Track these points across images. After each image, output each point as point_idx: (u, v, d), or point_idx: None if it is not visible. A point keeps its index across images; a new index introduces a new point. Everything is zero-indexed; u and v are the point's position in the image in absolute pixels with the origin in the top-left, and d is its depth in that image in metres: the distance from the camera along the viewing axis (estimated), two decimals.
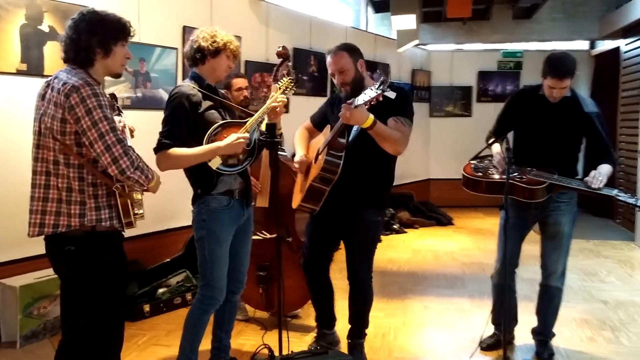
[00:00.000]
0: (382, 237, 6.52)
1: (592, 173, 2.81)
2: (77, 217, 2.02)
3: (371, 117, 2.65)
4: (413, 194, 7.88)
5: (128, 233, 4.24)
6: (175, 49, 4.44)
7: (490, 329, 3.39)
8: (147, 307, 3.91)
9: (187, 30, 4.46)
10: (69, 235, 2.04)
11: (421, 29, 7.82)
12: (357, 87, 2.83)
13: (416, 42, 6.94)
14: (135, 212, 2.15)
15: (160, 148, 2.53)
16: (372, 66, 7.36)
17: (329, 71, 2.96)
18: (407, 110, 2.86)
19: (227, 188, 2.66)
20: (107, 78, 3.93)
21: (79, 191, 2.03)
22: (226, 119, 2.66)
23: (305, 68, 6.07)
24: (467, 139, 6.86)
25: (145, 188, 2.14)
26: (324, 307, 3.26)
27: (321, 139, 3.04)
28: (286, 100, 2.81)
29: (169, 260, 4.25)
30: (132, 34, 2.16)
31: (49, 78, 2.08)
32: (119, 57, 2.13)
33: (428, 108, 8.83)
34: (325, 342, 3.26)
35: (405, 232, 6.89)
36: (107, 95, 2.10)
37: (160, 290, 4.11)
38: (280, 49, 3.69)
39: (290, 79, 2.96)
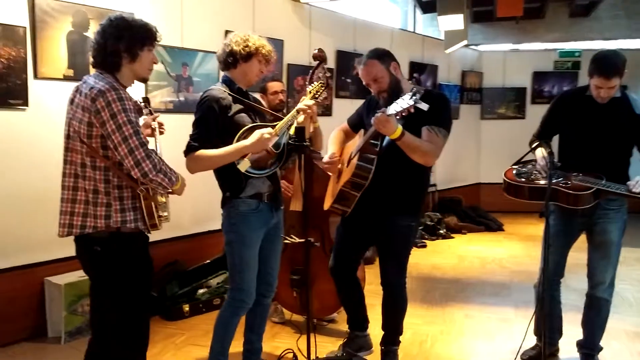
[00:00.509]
0: (428, 242, 6.40)
1: (637, 178, 2.69)
2: (103, 218, 2.07)
3: (399, 128, 2.59)
4: (461, 199, 7.68)
5: (169, 234, 4.35)
6: None
7: (532, 340, 3.24)
8: (186, 307, 3.97)
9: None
10: (95, 236, 2.09)
11: (472, 28, 7.62)
12: (395, 92, 2.77)
13: (464, 42, 6.76)
14: (160, 214, 2.18)
15: (189, 151, 2.56)
16: (420, 68, 7.24)
17: (364, 82, 2.90)
18: (443, 119, 2.78)
19: (255, 191, 2.66)
20: (151, 82, 4.08)
21: (104, 193, 2.07)
22: (256, 123, 2.66)
23: (349, 70, 6.02)
24: (520, 142, 6.52)
25: (169, 191, 2.16)
26: (354, 308, 3.23)
27: (356, 142, 3.00)
28: (313, 104, 2.77)
29: (209, 261, 4.30)
30: (158, 39, 2.19)
31: (78, 83, 2.14)
32: (145, 62, 2.17)
33: (479, 110, 8.60)
34: (357, 345, 3.22)
35: (452, 238, 6.72)
36: (134, 99, 2.14)
37: (200, 291, 4.18)
38: (317, 51, 3.66)
39: (320, 83, 2.93)
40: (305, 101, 2.75)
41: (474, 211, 7.40)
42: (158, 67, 4.17)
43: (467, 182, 8.41)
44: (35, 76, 3.45)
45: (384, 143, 2.80)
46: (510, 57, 8.54)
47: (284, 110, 3.81)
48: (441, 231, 6.72)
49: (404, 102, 2.47)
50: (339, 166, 3.06)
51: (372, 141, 2.76)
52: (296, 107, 2.77)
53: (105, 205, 2.07)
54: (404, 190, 2.87)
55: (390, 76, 2.83)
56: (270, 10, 5.10)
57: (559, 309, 3.21)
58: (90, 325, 2.30)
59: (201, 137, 2.55)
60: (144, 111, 2.54)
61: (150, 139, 2.48)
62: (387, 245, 2.96)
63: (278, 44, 5.16)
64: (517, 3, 6.07)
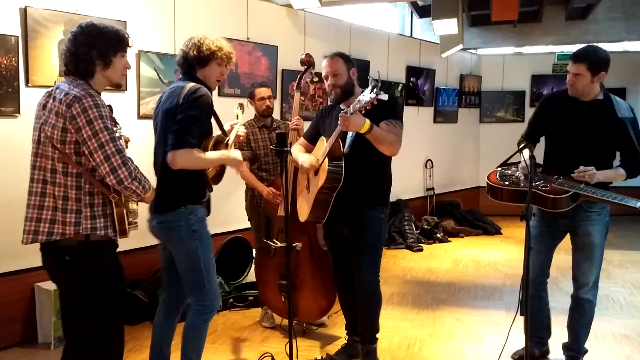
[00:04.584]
0: (424, 246, 6.38)
1: (580, 167, 2.77)
2: (72, 225, 2.05)
3: (367, 122, 2.74)
4: (459, 202, 7.68)
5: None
6: None
7: (523, 341, 3.24)
8: None
9: None
10: (63, 244, 2.07)
11: (469, 32, 7.64)
12: (347, 92, 3.00)
13: (460, 46, 6.77)
14: (130, 221, 2.17)
15: (185, 145, 2.40)
16: (417, 72, 7.26)
17: (323, 73, 3.07)
18: (397, 112, 3.00)
19: (207, 196, 2.67)
20: (143, 89, 4.13)
21: (75, 200, 2.06)
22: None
23: None
24: None
25: (141, 198, 2.16)
26: (352, 313, 3.25)
27: (316, 153, 3.07)
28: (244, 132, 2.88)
29: None
30: (130, 45, 2.20)
31: (50, 88, 2.15)
32: (118, 68, 2.17)
33: (478, 114, 8.61)
34: (354, 350, 3.26)
35: (450, 242, 6.71)
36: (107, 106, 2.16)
37: None
38: (304, 56, 3.72)
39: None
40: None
41: (471, 215, 7.39)
42: (151, 73, 4.22)
43: (467, 185, 8.40)
44: (27, 84, 3.50)
45: (348, 141, 2.97)
46: (509, 60, 8.54)
47: (272, 116, 3.86)
48: (438, 235, 6.71)
49: (365, 97, 2.61)
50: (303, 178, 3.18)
51: (336, 143, 2.90)
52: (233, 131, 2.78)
53: (75, 212, 2.05)
54: (373, 183, 3.02)
55: (348, 77, 3.02)
56: (265, 16, 5.14)
57: (547, 309, 3.22)
58: (63, 333, 2.30)
59: (197, 135, 2.45)
60: None
61: None
62: (360, 240, 3.03)
63: (272, 50, 5.21)
64: (512, 7, 6.08)
